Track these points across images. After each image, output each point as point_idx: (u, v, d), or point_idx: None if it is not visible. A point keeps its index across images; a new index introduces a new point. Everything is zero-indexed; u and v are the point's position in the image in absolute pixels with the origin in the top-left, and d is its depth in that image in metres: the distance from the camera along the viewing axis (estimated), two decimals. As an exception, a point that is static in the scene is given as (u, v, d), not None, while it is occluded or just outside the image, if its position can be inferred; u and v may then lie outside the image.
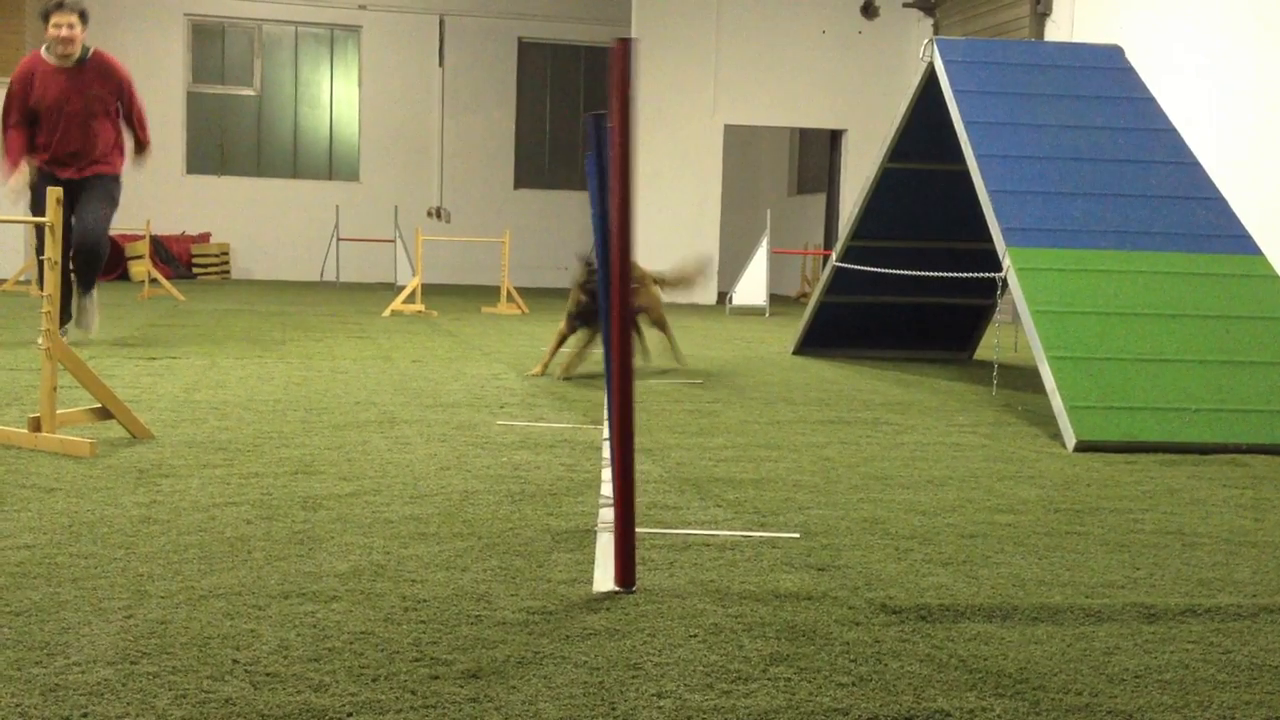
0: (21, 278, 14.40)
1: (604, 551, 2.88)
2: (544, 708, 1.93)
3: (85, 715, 1.84)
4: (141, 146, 7.80)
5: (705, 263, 6.81)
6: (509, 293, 13.08)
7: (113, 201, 7.54)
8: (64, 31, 7.31)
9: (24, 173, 7.25)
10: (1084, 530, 3.35)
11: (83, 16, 7.38)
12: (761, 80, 16.48)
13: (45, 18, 7.38)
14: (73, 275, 7.63)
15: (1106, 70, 6.87)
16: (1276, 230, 8.15)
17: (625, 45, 2.48)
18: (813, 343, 8.68)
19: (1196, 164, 6.30)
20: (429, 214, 20.21)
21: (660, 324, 7.32)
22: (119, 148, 7.61)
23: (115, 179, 7.57)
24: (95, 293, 7.64)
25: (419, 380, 6.36)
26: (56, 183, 6.98)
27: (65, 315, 7.17)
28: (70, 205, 7.20)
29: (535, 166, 20.91)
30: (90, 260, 7.40)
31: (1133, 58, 7.12)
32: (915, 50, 15.38)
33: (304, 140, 20.13)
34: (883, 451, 4.58)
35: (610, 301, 2.61)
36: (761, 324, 12.39)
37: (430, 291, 15.15)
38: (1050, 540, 3.21)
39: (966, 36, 14.38)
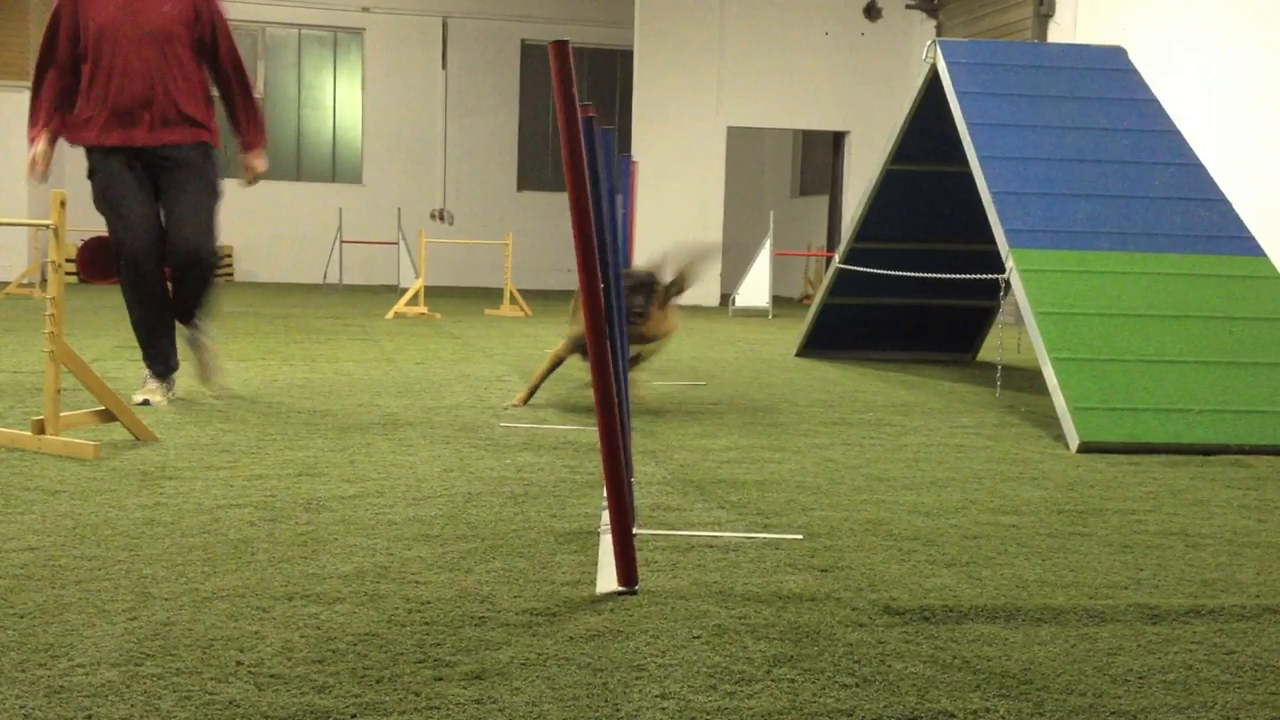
0: (24, 280, 14.41)
1: (607, 553, 2.87)
2: (547, 709, 1.93)
3: (89, 717, 1.84)
4: (247, 125, 5.33)
5: (708, 251, 5.72)
6: (512, 295, 13.09)
7: (212, 190, 5.26)
8: None
9: (41, 147, 5.05)
10: (1087, 531, 3.35)
11: None
12: (764, 82, 16.49)
13: None
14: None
15: (1109, 71, 6.87)
16: (1279, 231, 8.15)
17: (562, 46, 2.46)
18: (816, 344, 8.68)
19: (1199, 165, 6.30)
20: (432, 216, 20.23)
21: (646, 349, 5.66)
22: (209, 103, 5.27)
23: (207, 152, 5.25)
24: (206, 324, 5.43)
25: (422, 382, 6.36)
26: (120, 155, 5.12)
27: (159, 359, 5.33)
28: (144, 180, 5.18)
29: (538, 168, 20.93)
30: (196, 279, 5.24)
31: (1135, 59, 7.12)
32: (918, 52, 15.38)
33: (307, 143, 20.16)
34: (886, 453, 4.58)
35: (591, 304, 2.59)
36: (764, 326, 12.39)
37: (433, 294, 15.16)
38: (1053, 541, 3.21)
39: (969, 38, 14.38)
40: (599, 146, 3.03)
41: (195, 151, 5.19)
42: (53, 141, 5.11)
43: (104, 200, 5.16)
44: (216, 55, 5.24)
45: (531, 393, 5.57)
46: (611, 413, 2.59)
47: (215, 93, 5.34)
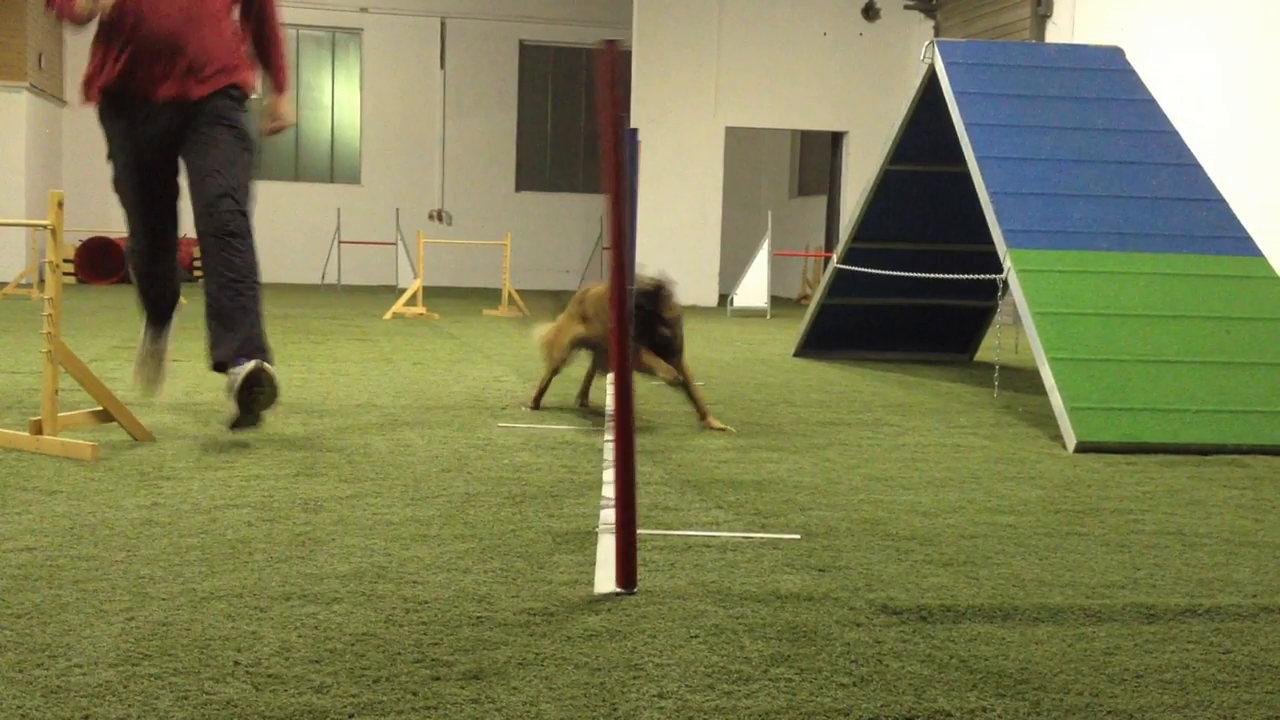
0: (22, 280, 14.41)
1: (605, 553, 2.88)
2: (545, 708, 1.93)
3: (87, 717, 1.84)
4: (279, 66, 4.78)
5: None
6: (510, 295, 13.09)
7: (247, 142, 4.55)
8: None
9: None
10: (1084, 531, 3.35)
11: None
12: (763, 82, 16.49)
13: None
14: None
15: (1107, 72, 6.87)
16: (1277, 231, 8.15)
17: (612, 47, 2.48)
18: (814, 345, 8.68)
19: (1197, 165, 6.30)
20: (430, 216, 20.23)
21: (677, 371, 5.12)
22: (242, 48, 4.65)
23: (241, 102, 4.59)
24: (259, 357, 4.31)
25: (420, 382, 6.36)
26: (141, 110, 4.47)
27: (157, 317, 4.93)
28: (167, 153, 4.55)
29: (536, 169, 20.93)
30: (227, 251, 4.35)
31: (1133, 59, 7.12)
32: (916, 52, 15.38)
33: (305, 143, 20.16)
34: (883, 453, 4.58)
35: (616, 307, 2.61)
36: (763, 326, 12.40)
37: (431, 294, 15.16)
38: (1051, 541, 3.21)
39: (967, 38, 14.39)
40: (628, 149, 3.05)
41: (228, 101, 4.53)
42: None
43: (116, 189, 4.68)
44: (251, 4, 4.68)
45: (540, 394, 5.48)
46: (628, 415, 2.59)
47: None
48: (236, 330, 4.35)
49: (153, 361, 5.02)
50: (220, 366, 4.36)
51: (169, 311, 5.00)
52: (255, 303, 4.41)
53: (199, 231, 4.42)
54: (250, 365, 4.24)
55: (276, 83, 4.75)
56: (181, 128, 4.48)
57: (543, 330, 5.51)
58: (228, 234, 4.37)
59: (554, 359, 5.39)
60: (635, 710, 1.94)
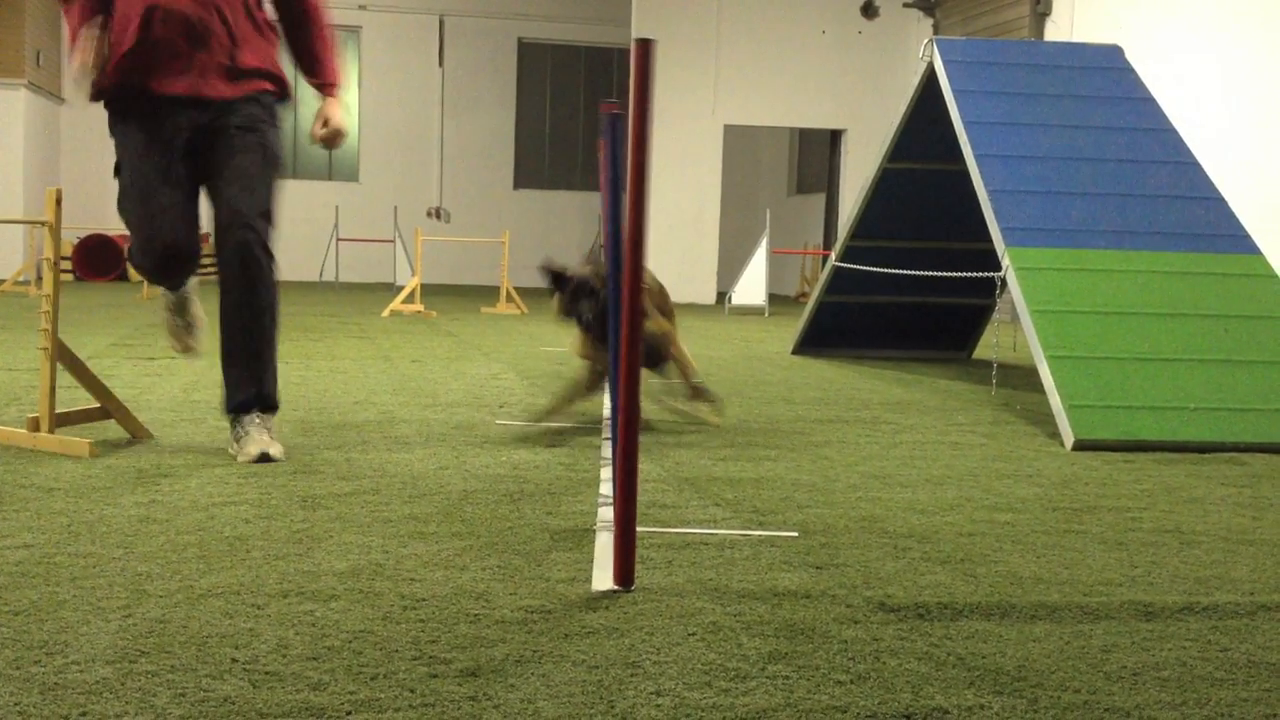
0: (20, 278, 14.40)
1: (603, 550, 2.88)
2: (543, 706, 1.93)
3: (84, 714, 1.84)
4: (325, 58, 4.20)
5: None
6: (508, 293, 13.09)
7: (274, 160, 4.18)
8: None
9: (89, 47, 3.85)
10: (1082, 529, 3.35)
11: None
12: (761, 80, 16.49)
13: None
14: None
15: (1106, 70, 6.87)
16: (1276, 230, 8.16)
17: (648, 45, 2.51)
18: (812, 342, 8.68)
19: (1195, 164, 6.30)
20: (428, 214, 20.23)
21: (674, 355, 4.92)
22: (276, 45, 4.15)
23: (273, 111, 4.14)
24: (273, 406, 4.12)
25: (418, 380, 6.36)
26: (156, 109, 3.97)
27: (172, 288, 4.40)
28: (187, 165, 4.03)
29: (535, 167, 20.93)
30: (251, 283, 4.04)
31: (1132, 58, 7.12)
32: (915, 50, 15.38)
33: (303, 140, 20.14)
34: (881, 450, 4.58)
35: (619, 301, 2.61)
36: (761, 324, 12.40)
37: (429, 292, 15.16)
38: (1048, 539, 3.21)
39: (966, 36, 14.39)
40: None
41: (258, 108, 4.07)
42: (100, 25, 3.89)
43: (125, 197, 4.05)
44: None
45: (552, 415, 4.88)
46: (633, 410, 2.59)
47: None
48: (244, 374, 4.06)
49: (178, 316, 4.48)
50: (233, 411, 4.08)
51: (182, 284, 4.50)
52: (270, 343, 4.09)
53: (217, 256, 4.03)
54: (256, 452, 3.91)
55: (325, 81, 4.20)
56: (204, 132, 4.00)
57: (576, 343, 4.90)
58: (245, 265, 3.99)
59: (597, 372, 4.80)
60: (633, 708, 1.94)
